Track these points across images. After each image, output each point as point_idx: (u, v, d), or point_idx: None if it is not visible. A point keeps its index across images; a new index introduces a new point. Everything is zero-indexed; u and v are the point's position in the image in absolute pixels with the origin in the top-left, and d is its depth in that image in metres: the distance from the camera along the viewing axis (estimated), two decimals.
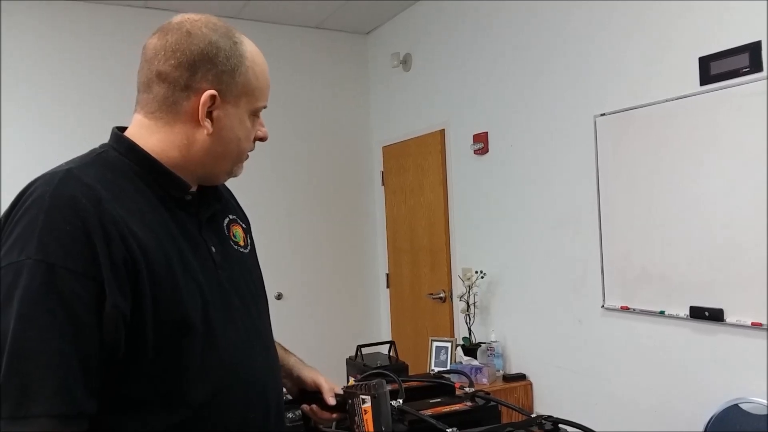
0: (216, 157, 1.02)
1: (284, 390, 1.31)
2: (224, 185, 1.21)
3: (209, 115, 0.98)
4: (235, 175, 1.09)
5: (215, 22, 1.00)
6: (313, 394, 1.25)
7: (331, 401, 1.22)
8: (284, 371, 1.27)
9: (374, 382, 1.17)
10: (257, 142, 1.09)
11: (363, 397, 1.15)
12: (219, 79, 0.97)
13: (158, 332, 0.89)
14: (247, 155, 1.08)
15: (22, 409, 0.78)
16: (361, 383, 1.18)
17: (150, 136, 0.99)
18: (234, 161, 1.05)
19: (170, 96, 0.97)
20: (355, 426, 1.15)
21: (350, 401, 1.18)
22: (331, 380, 1.30)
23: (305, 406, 1.26)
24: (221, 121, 0.99)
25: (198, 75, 0.96)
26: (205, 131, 0.98)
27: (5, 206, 0.91)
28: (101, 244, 0.84)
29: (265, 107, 1.06)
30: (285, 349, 1.31)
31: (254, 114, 1.04)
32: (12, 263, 0.82)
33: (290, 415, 1.33)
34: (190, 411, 0.93)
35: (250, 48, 1.02)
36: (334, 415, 1.24)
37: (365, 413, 1.14)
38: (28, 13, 3.70)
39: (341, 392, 1.23)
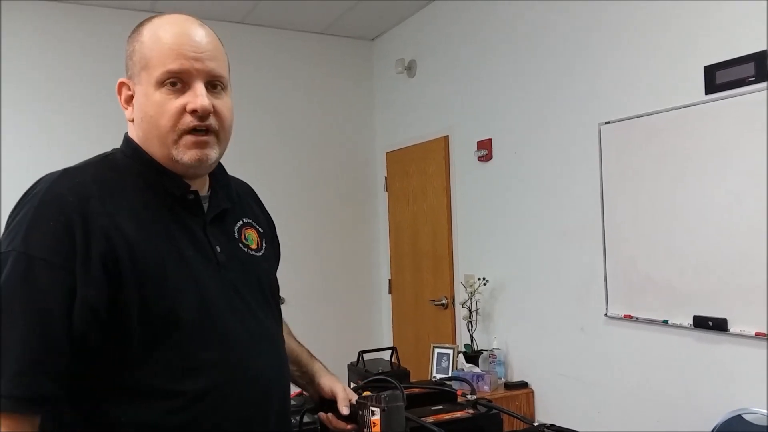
0: (148, 142, 1.02)
1: (308, 395, 1.32)
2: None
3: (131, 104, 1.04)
4: (187, 162, 0.99)
5: (153, 18, 1.05)
6: (331, 403, 1.23)
7: (344, 411, 1.19)
8: (307, 377, 1.28)
9: (386, 393, 1.11)
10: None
11: (372, 408, 1.11)
12: (126, 67, 1.04)
13: (145, 324, 0.92)
14: (184, 130, 0.98)
15: None
16: (373, 395, 1.14)
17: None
18: (163, 141, 0.99)
19: None
20: None
21: (360, 412, 1.14)
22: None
23: (322, 414, 1.24)
24: (134, 105, 1.03)
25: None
26: (129, 118, 1.05)
27: (5, 207, 0.95)
28: (81, 240, 0.90)
29: (175, 72, 0.97)
30: (310, 354, 1.31)
31: (160, 83, 0.98)
32: (2, 252, 0.90)
33: (307, 419, 1.32)
34: (181, 403, 0.94)
35: (151, 25, 1.02)
36: (349, 426, 1.21)
37: (374, 426, 1.10)
38: (33, 15, 3.71)
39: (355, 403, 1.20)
